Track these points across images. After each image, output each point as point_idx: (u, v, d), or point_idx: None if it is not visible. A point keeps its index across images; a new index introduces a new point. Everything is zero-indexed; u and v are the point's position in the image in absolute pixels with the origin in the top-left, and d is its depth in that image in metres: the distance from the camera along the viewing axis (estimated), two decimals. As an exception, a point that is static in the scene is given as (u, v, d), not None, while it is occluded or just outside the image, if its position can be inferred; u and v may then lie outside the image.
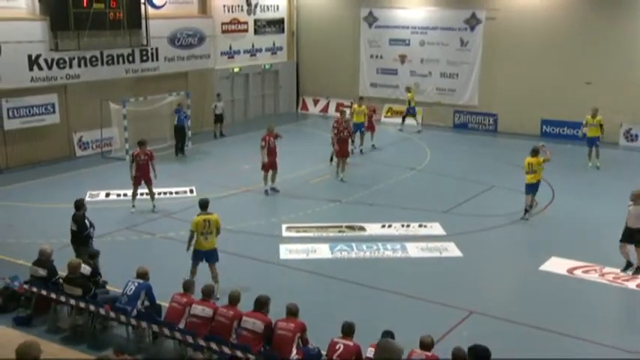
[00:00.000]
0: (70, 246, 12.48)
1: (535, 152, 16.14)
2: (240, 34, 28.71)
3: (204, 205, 12.10)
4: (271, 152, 17.86)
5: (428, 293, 12.18)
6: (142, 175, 16.70)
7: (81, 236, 12.21)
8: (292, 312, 9.10)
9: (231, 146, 24.82)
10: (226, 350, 8.84)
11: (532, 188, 16.14)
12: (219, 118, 25.86)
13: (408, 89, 27.42)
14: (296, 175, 19.69)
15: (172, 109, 23.42)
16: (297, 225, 15.84)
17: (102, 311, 10.13)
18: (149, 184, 16.84)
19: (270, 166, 17.95)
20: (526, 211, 16.27)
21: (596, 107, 21.12)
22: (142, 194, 17.44)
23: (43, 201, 17.47)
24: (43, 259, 11.17)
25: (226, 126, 26.48)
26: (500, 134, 26.76)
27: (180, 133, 22.95)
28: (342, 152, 19.61)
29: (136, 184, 16.80)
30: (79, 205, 12.42)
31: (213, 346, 8.93)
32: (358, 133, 22.93)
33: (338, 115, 21.65)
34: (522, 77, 25.96)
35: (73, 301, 10.48)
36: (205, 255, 11.89)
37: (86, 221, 12.29)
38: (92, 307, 10.21)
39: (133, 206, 16.88)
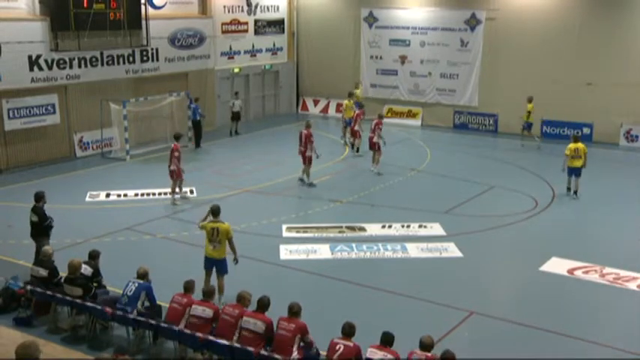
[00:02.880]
0: (71, 247, 12.51)
1: (577, 138, 18.18)
2: (241, 35, 28.72)
3: (215, 212, 11.61)
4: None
5: (428, 294, 12.17)
6: (178, 168, 17.11)
7: (41, 227, 12.44)
8: (294, 311, 9.08)
9: (232, 146, 24.83)
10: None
11: (578, 171, 17.97)
12: (236, 116, 26.31)
13: (356, 85, 27.71)
14: (296, 175, 19.66)
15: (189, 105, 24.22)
16: (298, 225, 15.84)
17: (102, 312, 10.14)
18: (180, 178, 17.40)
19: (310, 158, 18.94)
20: (569, 189, 18.24)
21: (530, 96, 23.93)
22: (147, 194, 17.51)
23: (44, 201, 17.47)
24: (45, 260, 11.19)
25: (230, 125, 26.57)
26: (500, 134, 26.75)
27: (195, 127, 23.87)
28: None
29: (176, 178, 17.17)
30: (39, 197, 12.64)
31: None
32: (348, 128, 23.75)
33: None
34: (522, 77, 25.94)
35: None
36: (215, 264, 11.58)
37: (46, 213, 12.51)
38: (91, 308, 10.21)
39: (175, 201, 17.18)
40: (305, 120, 19.82)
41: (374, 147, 20.48)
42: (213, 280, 11.61)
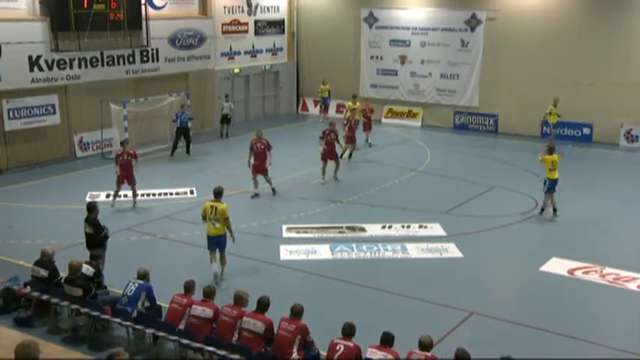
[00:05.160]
0: (71, 247, 12.50)
1: (552, 149, 16.59)
2: (241, 35, 28.72)
3: (217, 193, 12.57)
4: (257, 156, 17.71)
5: (428, 294, 12.17)
6: (125, 174, 16.97)
7: (98, 238, 12.09)
8: (295, 312, 9.09)
9: (232, 147, 24.80)
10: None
11: (556, 184, 16.42)
12: (225, 119, 25.80)
13: (324, 82, 28.19)
14: (296, 175, 19.69)
15: (175, 111, 23.15)
16: (298, 226, 15.84)
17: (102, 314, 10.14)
18: (132, 184, 17.09)
19: (256, 169, 17.78)
20: (543, 210, 16.66)
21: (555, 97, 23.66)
22: (147, 194, 17.57)
23: (44, 202, 17.48)
24: (45, 260, 11.19)
25: (220, 128, 26.23)
26: (500, 135, 26.75)
27: (184, 134, 22.87)
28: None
29: (119, 184, 17.03)
30: (91, 208, 12.35)
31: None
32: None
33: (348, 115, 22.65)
34: (523, 78, 25.95)
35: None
36: (215, 240, 12.33)
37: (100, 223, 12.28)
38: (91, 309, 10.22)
39: (112, 205, 17.00)
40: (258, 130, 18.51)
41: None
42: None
